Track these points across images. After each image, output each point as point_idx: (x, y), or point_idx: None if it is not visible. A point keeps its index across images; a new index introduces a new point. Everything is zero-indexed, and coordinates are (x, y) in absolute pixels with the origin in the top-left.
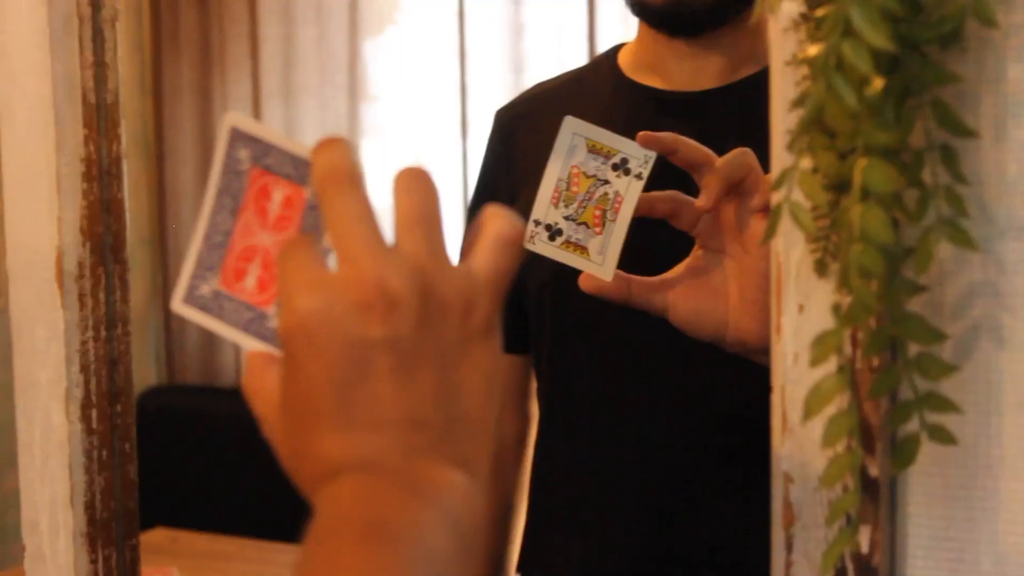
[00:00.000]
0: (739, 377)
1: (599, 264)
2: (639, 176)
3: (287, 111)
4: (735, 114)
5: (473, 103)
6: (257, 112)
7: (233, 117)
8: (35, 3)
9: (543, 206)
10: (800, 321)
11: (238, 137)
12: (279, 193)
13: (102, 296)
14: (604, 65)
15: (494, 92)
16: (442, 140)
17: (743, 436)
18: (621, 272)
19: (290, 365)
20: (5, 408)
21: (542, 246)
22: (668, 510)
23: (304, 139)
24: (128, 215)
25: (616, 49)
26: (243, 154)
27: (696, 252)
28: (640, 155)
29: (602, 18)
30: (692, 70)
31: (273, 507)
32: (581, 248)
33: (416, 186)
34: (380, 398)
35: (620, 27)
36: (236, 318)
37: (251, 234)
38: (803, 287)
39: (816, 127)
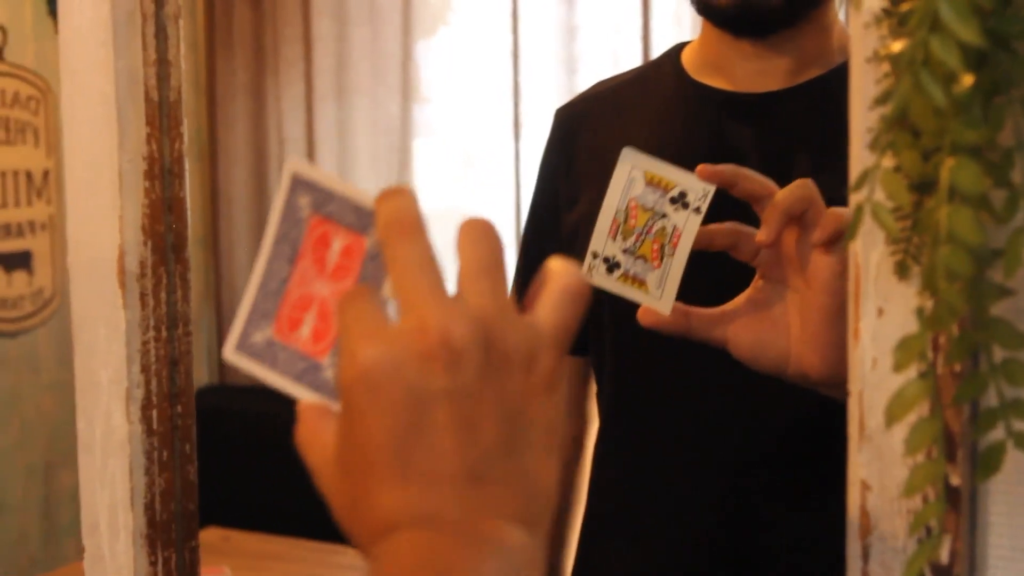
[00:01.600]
0: (801, 390)
1: (657, 298)
2: (697, 210)
3: (339, 112)
4: (801, 117)
5: (526, 104)
6: (309, 113)
7: (295, 164)
8: (99, 0)
9: (601, 238)
10: (879, 325)
11: (299, 184)
12: (339, 242)
13: (163, 296)
14: (667, 65)
15: (547, 93)
16: (494, 141)
17: (804, 446)
18: (681, 305)
19: (349, 417)
20: (59, 407)
21: (600, 279)
22: (726, 520)
23: (356, 142)
24: (189, 213)
25: (679, 48)
26: (303, 201)
27: (757, 283)
28: (699, 188)
29: (656, 18)
30: (757, 71)
31: (324, 507)
32: (639, 282)
33: (481, 237)
34: (440, 451)
35: (674, 27)
36: (290, 368)
37: (308, 283)
38: (883, 290)
39: (899, 125)
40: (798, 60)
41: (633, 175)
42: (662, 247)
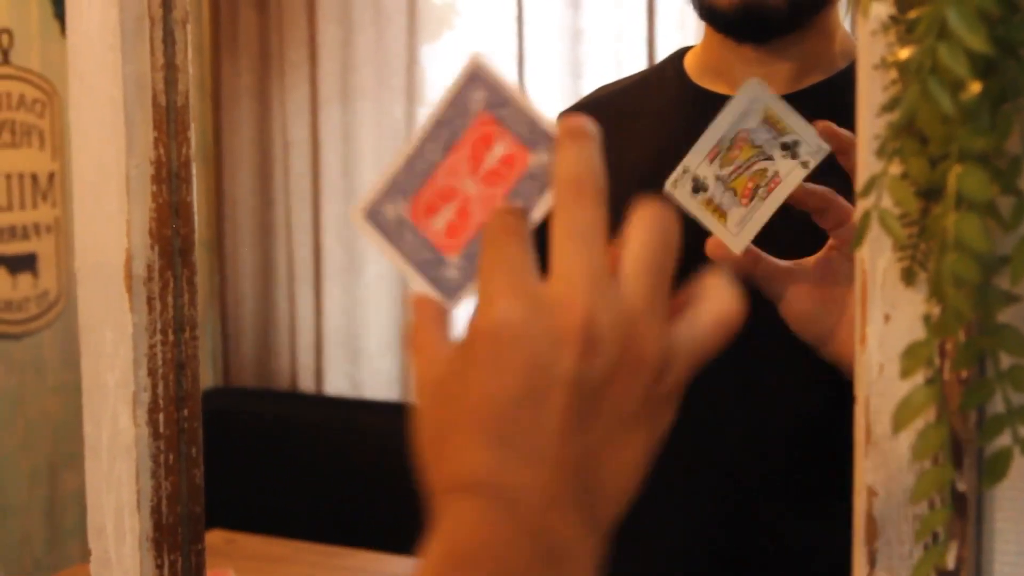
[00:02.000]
0: (808, 391)
1: (734, 235)
2: (805, 164)
3: (344, 115)
4: None
5: None
6: (314, 116)
7: (478, 57)
8: (107, 4)
9: (697, 157)
10: (886, 331)
11: (478, 78)
12: (501, 147)
13: (170, 299)
14: (670, 69)
15: (552, 97)
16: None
17: (805, 449)
18: (752, 247)
19: (467, 360)
20: (64, 409)
21: (683, 196)
22: (726, 523)
23: (361, 145)
24: (196, 216)
25: (682, 53)
26: (478, 95)
27: (829, 252)
28: (815, 144)
29: (661, 23)
30: (760, 76)
31: (329, 510)
32: (721, 212)
33: (657, 229)
34: (546, 432)
35: (678, 32)
36: (413, 252)
37: (457, 176)
38: (889, 296)
39: (907, 132)
40: (801, 65)
41: (752, 107)
42: (756, 188)
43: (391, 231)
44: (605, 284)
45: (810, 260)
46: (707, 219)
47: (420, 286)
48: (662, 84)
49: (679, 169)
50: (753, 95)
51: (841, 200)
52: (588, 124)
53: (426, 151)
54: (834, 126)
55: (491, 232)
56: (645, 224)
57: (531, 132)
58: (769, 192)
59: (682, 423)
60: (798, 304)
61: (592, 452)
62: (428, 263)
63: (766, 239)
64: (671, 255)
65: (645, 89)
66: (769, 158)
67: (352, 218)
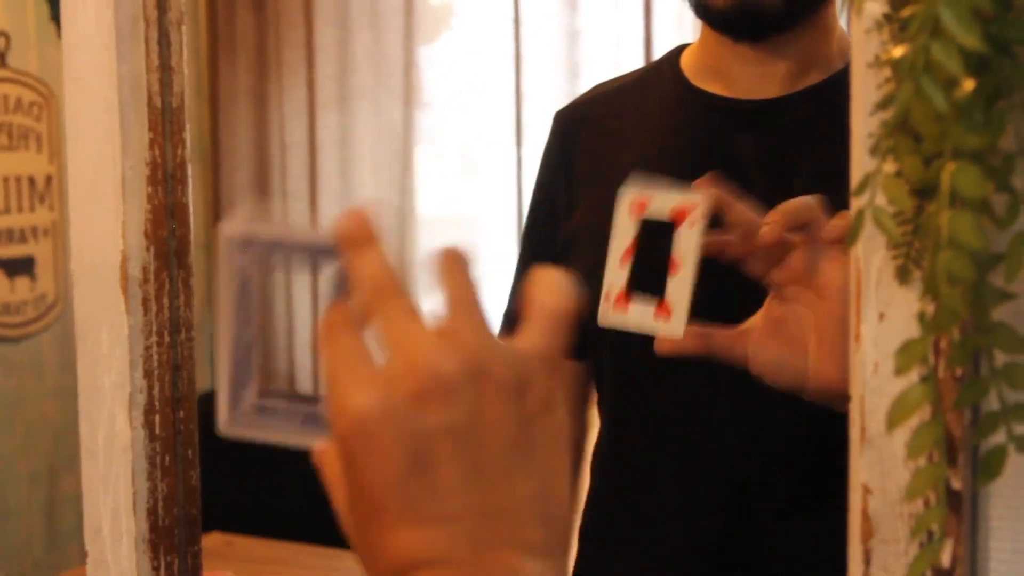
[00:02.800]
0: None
1: (669, 324)
2: (692, 225)
3: (342, 117)
4: (802, 124)
5: (528, 109)
6: (312, 118)
7: (225, 227)
8: (102, 5)
9: (611, 275)
10: (880, 330)
11: (236, 245)
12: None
13: (166, 301)
14: (666, 68)
15: (549, 98)
16: (497, 146)
17: (805, 453)
18: (698, 328)
19: (350, 465)
20: (62, 412)
21: (617, 319)
22: (727, 527)
23: (358, 147)
24: (192, 218)
25: (679, 51)
26: (247, 259)
27: (771, 301)
28: (691, 203)
29: (658, 23)
30: (757, 76)
31: (328, 512)
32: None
33: (455, 268)
34: (444, 490)
35: (675, 32)
36: (289, 421)
37: None
38: (884, 295)
39: (901, 130)
40: (798, 65)
41: (629, 209)
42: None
43: (259, 418)
44: (435, 338)
45: (757, 315)
46: (643, 324)
47: (317, 441)
48: (659, 84)
49: (601, 300)
50: (627, 195)
51: (755, 232)
52: (364, 224)
53: (241, 337)
54: (706, 181)
55: (321, 334)
56: (447, 268)
57: (312, 256)
58: (678, 267)
59: (679, 428)
60: (763, 358)
61: (495, 487)
62: (307, 419)
63: (724, 310)
64: (475, 285)
65: (642, 88)
66: (660, 237)
67: (221, 432)
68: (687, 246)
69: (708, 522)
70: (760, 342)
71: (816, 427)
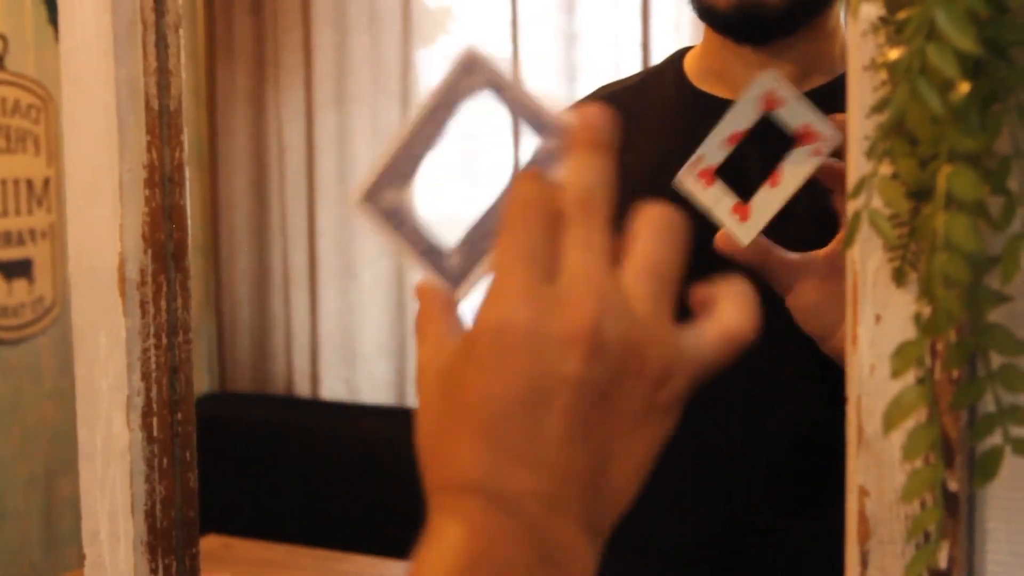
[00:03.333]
0: (806, 396)
1: (743, 226)
2: (817, 152)
3: (340, 120)
4: None
5: None
6: (310, 121)
7: (474, 48)
8: (100, 9)
9: (712, 146)
10: (877, 331)
11: (474, 67)
12: None
13: (163, 303)
14: (669, 71)
15: None
16: (494, 149)
17: (803, 456)
18: (763, 239)
19: (470, 357)
20: (60, 415)
21: (693, 186)
22: (724, 529)
23: (356, 150)
24: (190, 220)
25: (681, 54)
26: (477, 79)
27: (839, 244)
28: (828, 133)
29: (656, 26)
30: None
31: (326, 515)
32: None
33: (667, 236)
34: (546, 435)
35: (674, 35)
36: (414, 240)
37: None
38: (880, 296)
39: (897, 133)
40: (801, 68)
41: (766, 96)
42: (766, 177)
43: (391, 218)
44: (612, 291)
45: (820, 253)
46: (716, 209)
47: (423, 273)
48: (662, 86)
49: (694, 158)
50: (767, 84)
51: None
52: (607, 132)
53: (424, 135)
54: (844, 116)
55: (509, 212)
56: (651, 228)
57: (532, 119)
58: (778, 182)
59: (679, 428)
60: (805, 297)
61: (592, 457)
62: (429, 251)
63: (776, 230)
64: (677, 260)
65: (644, 91)
66: (782, 147)
67: (353, 203)
68: (799, 169)
69: (706, 524)
70: (811, 282)
71: (816, 429)
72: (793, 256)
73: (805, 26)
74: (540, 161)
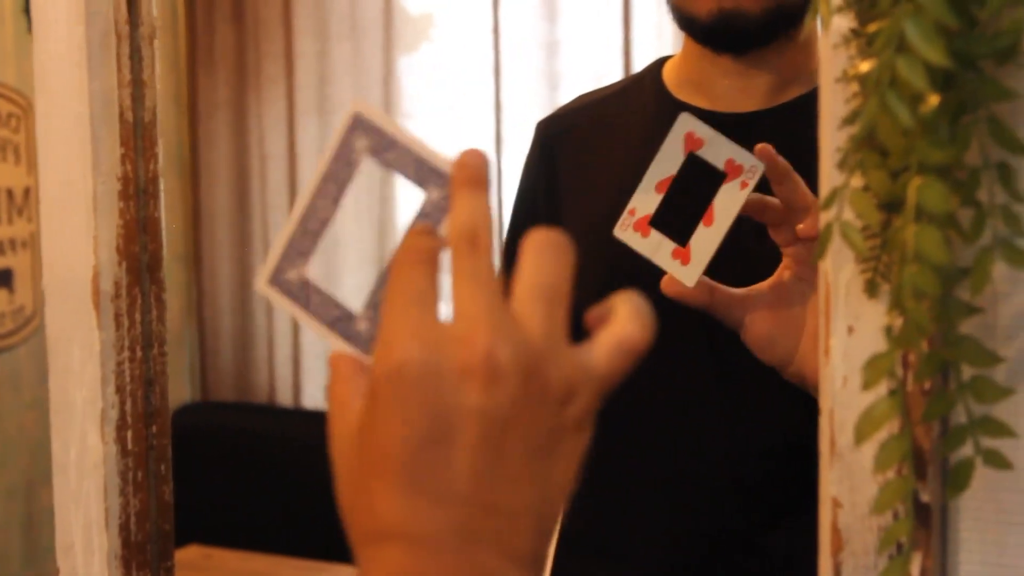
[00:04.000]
0: (781, 406)
1: (683, 267)
2: (744, 186)
3: (321, 128)
4: (782, 138)
5: (508, 120)
6: (291, 129)
7: (359, 104)
8: (73, 20)
9: (643, 197)
10: (849, 343)
11: (359, 125)
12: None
13: (138, 316)
14: (648, 80)
15: (529, 108)
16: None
17: (787, 466)
18: (707, 280)
19: (373, 407)
20: (41, 426)
21: (632, 238)
22: (708, 539)
23: None
24: (164, 232)
25: (661, 63)
26: (360, 144)
27: (784, 273)
28: (749, 164)
29: (637, 33)
30: (738, 88)
31: (306, 525)
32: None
33: (551, 258)
34: (457, 469)
35: (655, 43)
36: (323, 312)
37: None
38: (853, 308)
39: (868, 145)
40: (779, 78)
41: (680, 147)
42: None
43: (297, 294)
44: (503, 318)
45: (765, 284)
46: (656, 257)
47: (337, 345)
48: (641, 96)
49: (626, 212)
50: (685, 127)
51: (797, 210)
52: (484, 169)
53: (318, 208)
54: (771, 149)
55: (397, 262)
56: (536, 250)
57: (418, 171)
58: (712, 220)
59: (663, 438)
60: (756, 329)
61: (506, 485)
62: (338, 320)
63: (729, 269)
64: (566, 278)
65: (625, 100)
66: (709, 185)
67: (257, 288)
68: (730, 203)
69: (687, 532)
70: (761, 314)
71: (799, 440)
72: (738, 292)
73: (784, 37)
74: (429, 213)
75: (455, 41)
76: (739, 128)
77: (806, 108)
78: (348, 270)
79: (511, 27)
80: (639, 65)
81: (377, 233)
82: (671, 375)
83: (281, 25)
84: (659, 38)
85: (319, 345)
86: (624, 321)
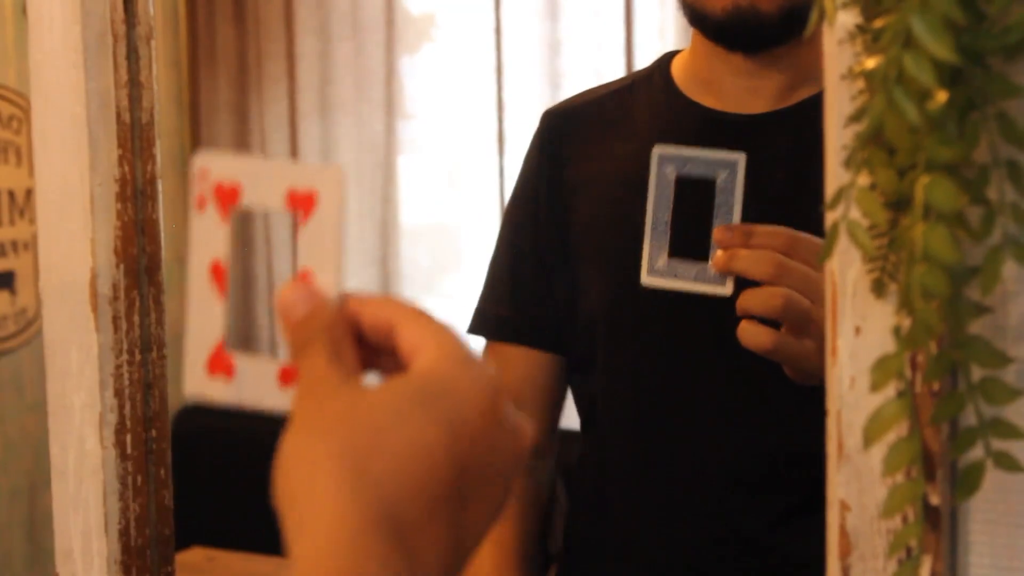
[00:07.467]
0: (788, 410)
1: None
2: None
3: (323, 128)
4: (791, 140)
5: (510, 120)
6: (293, 130)
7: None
8: (69, 21)
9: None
10: (857, 344)
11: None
12: None
13: (136, 319)
14: (657, 76)
15: (531, 108)
16: (479, 157)
17: (793, 468)
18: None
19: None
20: (43, 428)
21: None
22: (713, 541)
23: (340, 158)
24: (164, 234)
25: (668, 59)
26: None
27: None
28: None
29: (639, 32)
30: (748, 89)
31: None
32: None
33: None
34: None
35: (658, 41)
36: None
37: None
38: (860, 308)
39: (874, 142)
40: (790, 78)
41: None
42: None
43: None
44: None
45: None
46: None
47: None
48: (650, 92)
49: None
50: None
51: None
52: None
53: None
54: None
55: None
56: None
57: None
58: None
59: (669, 444)
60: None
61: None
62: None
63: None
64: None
65: (633, 95)
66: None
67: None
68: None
69: (693, 537)
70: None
71: (805, 441)
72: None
73: (797, 36)
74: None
75: (457, 41)
76: (747, 130)
77: (814, 110)
78: (348, 270)
79: (513, 27)
80: (641, 64)
81: (379, 233)
82: (678, 376)
83: (282, 25)
84: (661, 37)
85: None
86: (413, 332)
